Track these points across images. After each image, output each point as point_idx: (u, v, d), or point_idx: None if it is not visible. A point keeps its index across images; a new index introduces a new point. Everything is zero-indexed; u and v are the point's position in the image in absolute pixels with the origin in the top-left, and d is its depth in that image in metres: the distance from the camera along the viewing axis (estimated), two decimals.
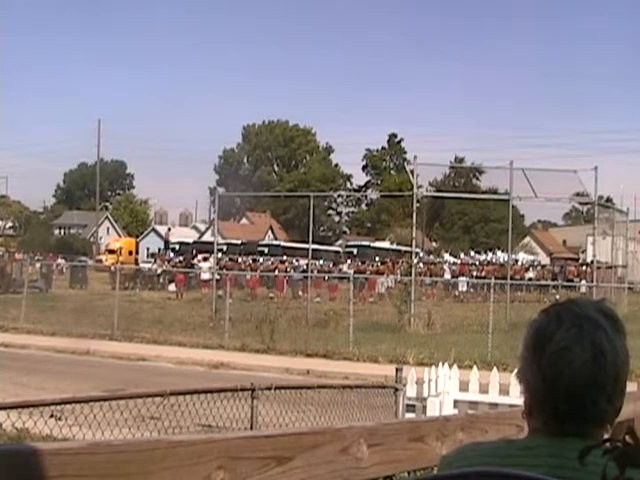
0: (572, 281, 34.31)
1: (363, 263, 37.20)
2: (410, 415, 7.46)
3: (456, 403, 7.80)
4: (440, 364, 8.18)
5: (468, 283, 32.02)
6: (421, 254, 37.99)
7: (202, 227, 74.25)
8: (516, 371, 1.42)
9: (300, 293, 29.62)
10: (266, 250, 45.05)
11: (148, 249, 61.94)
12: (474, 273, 36.64)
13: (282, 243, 51.37)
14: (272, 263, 38.67)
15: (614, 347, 1.31)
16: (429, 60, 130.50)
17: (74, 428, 5.45)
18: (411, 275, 23.52)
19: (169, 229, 64.82)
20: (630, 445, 1.10)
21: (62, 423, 5.48)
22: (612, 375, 1.30)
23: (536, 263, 44.31)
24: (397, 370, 7.84)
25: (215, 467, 1.49)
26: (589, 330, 1.30)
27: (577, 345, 1.29)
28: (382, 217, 75.54)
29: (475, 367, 8.15)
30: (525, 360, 1.36)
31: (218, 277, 25.47)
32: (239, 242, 46.13)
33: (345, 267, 37.07)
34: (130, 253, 58.17)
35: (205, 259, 32.69)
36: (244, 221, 77.42)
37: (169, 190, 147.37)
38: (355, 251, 45.75)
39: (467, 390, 7.85)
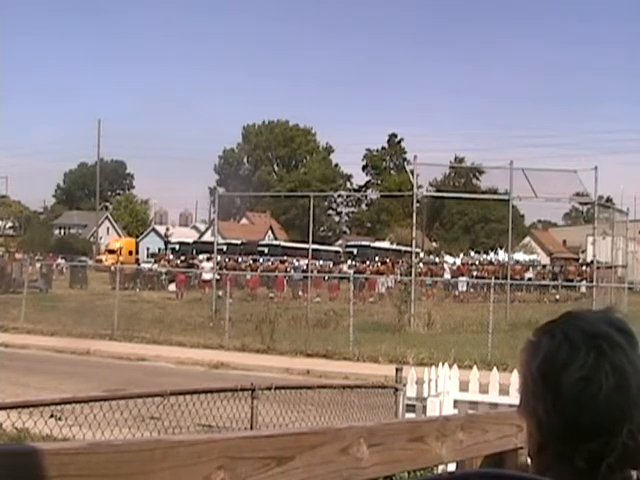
0: (572, 281, 34.34)
1: (363, 263, 37.20)
2: (410, 415, 7.46)
3: (456, 403, 7.79)
4: (440, 364, 8.17)
5: (468, 283, 32.02)
6: (421, 254, 38.01)
7: (202, 227, 74.29)
8: (520, 406, 1.18)
9: (300, 293, 29.62)
10: (266, 250, 45.05)
11: (148, 249, 61.96)
12: (474, 273, 36.65)
13: (282, 243, 51.37)
14: (272, 263, 38.68)
15: (635, 368, 1.11)
16: (429, 60, 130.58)
17: (74, 428, 5.46)
18: (411, 275, 23.54)
19: (167, 229, 64.89)
20: (629, 446, 1.10)
21: (62, 423, 5.49)
22: (637, 402, 1.10)
23: (536, 263, 44.32)
24: (397, 370, 7.84)
25: (215, 467, 1.49)
26: (608, 352, 1.10)
27: (599, 373, 1.09)
28: (382, 217, 75.58)
29: (475, 367, 8.14)
30: (533, 394, 1.14)
31: (218, 277, 25.48)
32: (239, 242, 46.13)
33: (345, 267, 37.09)
34: (130, 253, 58.23)
35: (208, 259, 32.72)
36: (244, 221, 77.44)
37: (169, 190, 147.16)
38: (355, 251, 45.75)
39: (467, 390, 7.85)
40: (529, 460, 1.21)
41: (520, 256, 45.24)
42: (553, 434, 1.12)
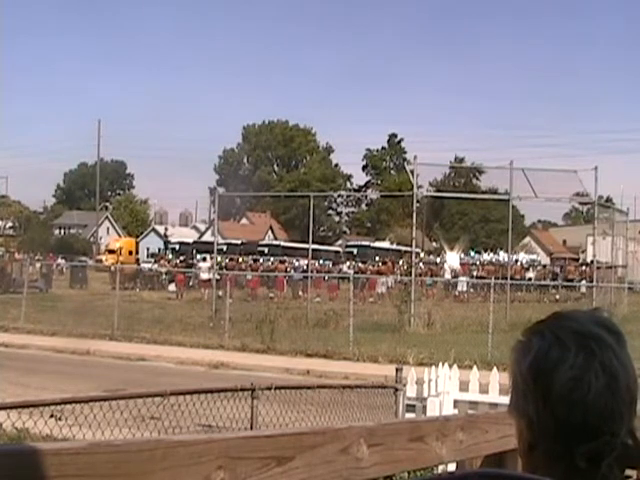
0: (572, 281, 34.33)
1: (364, 263, 37.18)
2: (410, 415, 7.46)
3: (456, 403, 7.79)
4: (440, 364, 8.17)
5: (468, 283, 32.01)
6: (421, 254, 37.99)
7: (202, 227, 74.26)
8: (510, 405, 1.22)
9: (300, 293, 29.62)
10: (266, 250, 45.03)
11: (148, 249, 61.92)
12: (474, 273, 36.64)
13: (282, 243, 51.33)
14: (272, 263, 38.68)
15: (625, 368, 1.12)
16: (429, 60, 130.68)
17: (74, 428, 5.46)
18: (411, 275, 23.53)
19: (166, 229, 64.89)
20: (629, 446, 1.09)
21: (62, 423, 5.48)
22: (627, 401, 1.12)
23: (536, 263, 44.30)
24: (397, 370, 7.84)
25: (215, 467, 1.49)
26: (597, 352, 1.11)
27: (589, 373, 1.10)
28: (382, 217, 75.58)
29: (475, 367, 8.14)
30: (523, 394, 1.17)
31: (218, 277, 25.47)
32: (239, 242, 46.11)
33: (345, 267, 37.08)
34: (130, 253, 58.21)
35: (204, 259, 32.73)
36: (244, 221, 77.43)
37: (169, 190, 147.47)
38: (355, 251, 45.73)
39: (467, 390, 7.85)
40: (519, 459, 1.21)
41: (522, 256, 45.23)
42: (544, 433, 1.13)
